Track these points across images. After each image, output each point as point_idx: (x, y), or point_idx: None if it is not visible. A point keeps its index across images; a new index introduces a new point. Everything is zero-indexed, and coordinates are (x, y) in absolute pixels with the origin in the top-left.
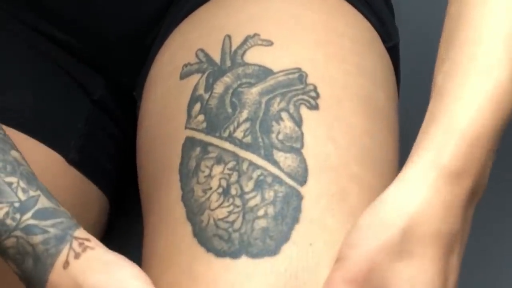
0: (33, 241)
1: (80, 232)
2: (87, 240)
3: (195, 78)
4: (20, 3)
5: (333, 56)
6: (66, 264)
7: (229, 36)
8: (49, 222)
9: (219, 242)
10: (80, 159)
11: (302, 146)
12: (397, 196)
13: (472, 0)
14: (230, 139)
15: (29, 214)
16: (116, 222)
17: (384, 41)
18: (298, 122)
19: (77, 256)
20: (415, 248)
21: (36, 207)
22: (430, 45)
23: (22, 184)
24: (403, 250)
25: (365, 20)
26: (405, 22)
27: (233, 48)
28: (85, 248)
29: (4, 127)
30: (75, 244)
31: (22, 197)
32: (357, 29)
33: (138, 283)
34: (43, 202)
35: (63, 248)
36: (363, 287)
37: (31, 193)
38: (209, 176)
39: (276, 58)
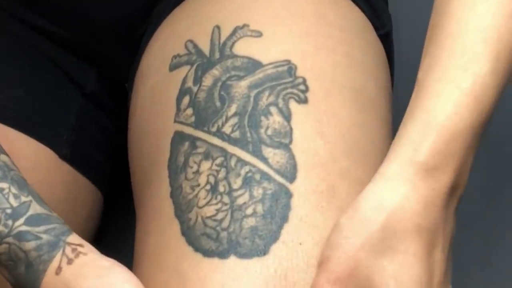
0: (26, 248)
1: (73, 238)
2: (80, 245)
3: (184, 70)
4: None
5: (322, 47)
6: (59, 270)
7: (218, 27)
8: (41, 228)
9: (207, 241)
10: (72, 154)
11: (291, 141)
12: (376, 193)
13: None
14: (219, 134)
15: (21, 221)
16: (110, 216)
17: (376, 29)
18: (287, 116)
19: (69, 262)
20: (397, 244)
21: (28, 213)
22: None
23: (13, 189)
24: (385, 246)
25: (356, 7)
26: (400, 9)
27: (222, 40)
28: (78, 254)
29: None
30: (68, 250)
31: (14, 203)
32: (348, 17)
33: (130, 287)
34: (35, 208)
35: (56, 254)
36: (349, 286)
37: (23, 199)
38: (197, 172)
39: (265, 50)
